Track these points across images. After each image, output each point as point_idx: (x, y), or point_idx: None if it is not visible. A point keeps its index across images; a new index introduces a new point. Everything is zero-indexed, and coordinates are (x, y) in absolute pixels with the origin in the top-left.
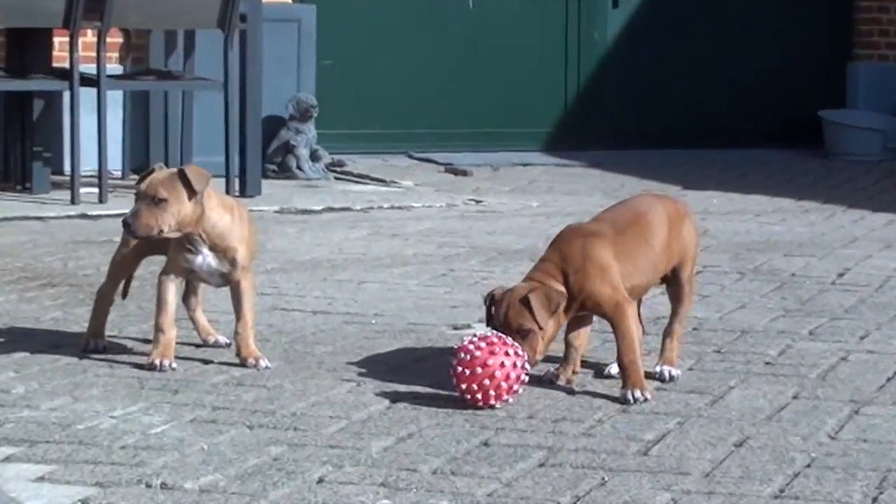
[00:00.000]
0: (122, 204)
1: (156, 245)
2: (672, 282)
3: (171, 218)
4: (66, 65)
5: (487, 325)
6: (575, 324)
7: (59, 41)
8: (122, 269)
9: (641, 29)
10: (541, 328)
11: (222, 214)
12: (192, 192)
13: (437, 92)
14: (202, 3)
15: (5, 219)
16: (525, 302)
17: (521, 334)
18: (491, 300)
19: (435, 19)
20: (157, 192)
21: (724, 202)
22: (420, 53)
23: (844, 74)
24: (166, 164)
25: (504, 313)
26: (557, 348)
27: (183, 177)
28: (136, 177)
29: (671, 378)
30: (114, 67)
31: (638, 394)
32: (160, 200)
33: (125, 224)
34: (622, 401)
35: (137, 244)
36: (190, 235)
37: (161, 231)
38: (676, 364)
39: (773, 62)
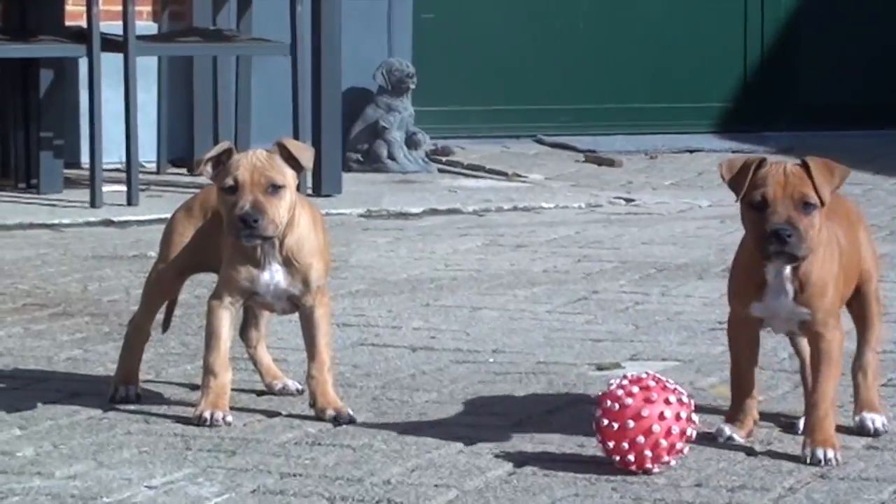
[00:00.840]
0: (157, 206)
1: (205, 258)
2: (856, 300)
3: (287, 209)
4: (83, 23)
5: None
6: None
7: None
8: (160, 293)
9: None
10: (822, 203)
11: (302, 211)
12: (298, 170)
13: (575, 56)
14: None
15: (4, 227)
16: (806, 168)
17: (802, 209)
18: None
19: None
20: (273, 177)
21: None
22: (550, 3)
23: None
24: None
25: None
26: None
27: (283, 151)
28: (175, 171)
29: (881, 428)
30: (146, 26)
31: (829, 454)
32: (277, 187)
33: (245, 222)
34: (803, 460)
35: (180, 257)
36: (262, 242)
37: (278, 228)
38: (879, 409)
39: None
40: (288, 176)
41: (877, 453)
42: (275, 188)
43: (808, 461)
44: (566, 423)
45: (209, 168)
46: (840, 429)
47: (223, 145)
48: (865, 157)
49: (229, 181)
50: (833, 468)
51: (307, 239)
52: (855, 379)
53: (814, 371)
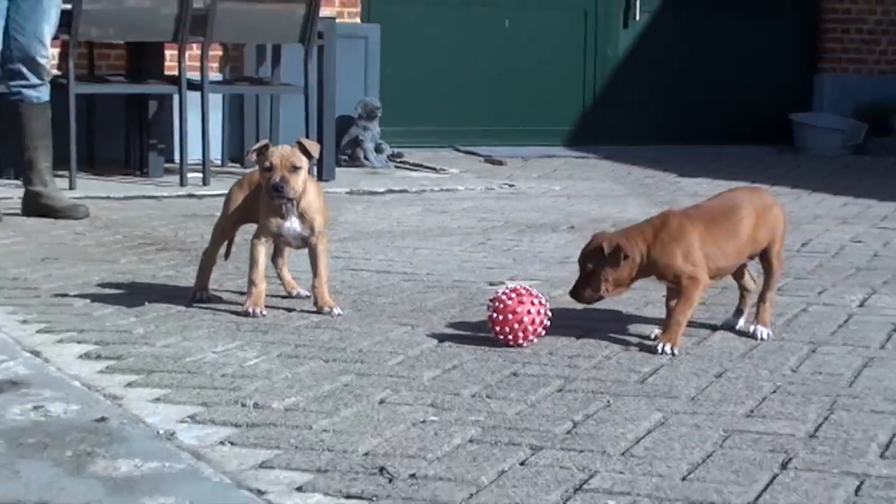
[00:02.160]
0: (221, 185)
1: (250, 214)
2: (763, 258)
3: (302, 182)
4: (176, 73)
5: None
6: (672, 294)
7: (170, 53)
8: (223, 235)
9: (646, 46)
10: (600, 273)
11: (309, 187)
12: (309, 158)
13: (479, 96)
14: (287, 22)
15: (127, 197)
16: (595, 249)
17: (587, 270)
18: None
19: (477, 36)
20: (294, 160)
21: (713, 188)
22: (465, 65)
23: (811, 84)
24: None
25: (583, 251)
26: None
27: (301, 147)
28: (232, 164)
29: (763, 337)
30: (215, 75)
31: (668, 348)
32: (297, 167)
33: (276, 189)
34: (653, 349)
35: (235, 212)
36: (286, 203)
37: (296, 193)
38: (769, 325)
39: (753, 74)
40: (303, 161)
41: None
42: (294, 168)
43: (659, 351)
44: (470, 316)
45: (254, 156)
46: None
47: (263, 142)
48: (662, 164)
49: (267, 164)
50: (674, 357)
51: (314, 201)
52: (758, 306)
53: (677, 300)
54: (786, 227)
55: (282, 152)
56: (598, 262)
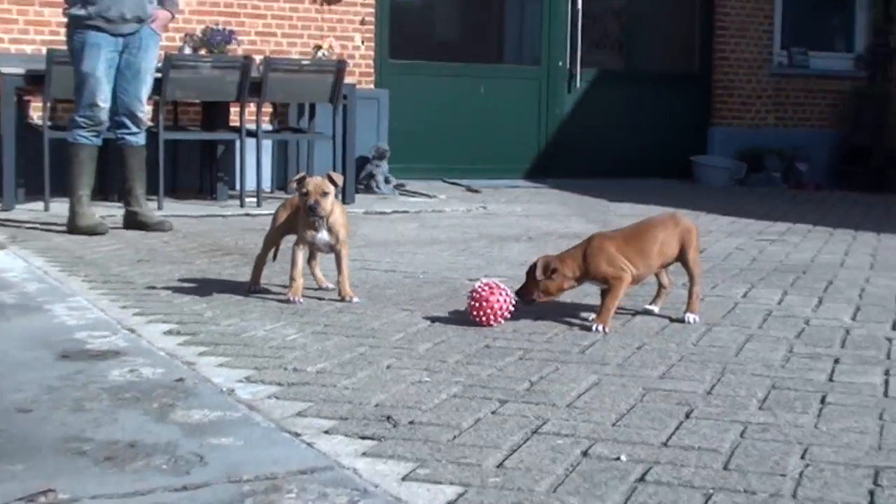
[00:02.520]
0: (270, 207)
1: (291, 227)
2: (683, 264)
3: (330, 204)
4: (238, 124)
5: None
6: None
7: (234, 110)
8: (271, 242)
9: (584, 106)
10: (539, 281)
11: (336, 208)
12: (336, 186)
13: (461, 142)
14: (320, 88)
15: (201, 216)
16: (535, 266)
17: (529, 280)
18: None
19: (461, 98)
20: (325, 188)
21: (634, 209)
22: (451, 118)
23: (706, 134)
24: None
25: (530, 266)
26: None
27: (330, 178)
28: (280, 191)
29: (691, 321)
30: (266, 126)
31: (601, 328)
32: (326, 193)
33: (311, 209)
34: (589, 328)
35: (280, 226)
36: (318, 219)
37: (326, 212)
38: (696, 312)
39: (663, 126)
40: (331, 188)
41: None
42: (325, 193)
43: (592, 329)
44: (455, 304)
45: (295, 184)
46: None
47: (301, 174)
48: (596, 192)
49: (304, 190)
50: (604, 335)
51: (339, 218)
52: (688, 298)
53: (608, 292)
54: (697, 240)
55: (315, 181)
56: (535, 276)
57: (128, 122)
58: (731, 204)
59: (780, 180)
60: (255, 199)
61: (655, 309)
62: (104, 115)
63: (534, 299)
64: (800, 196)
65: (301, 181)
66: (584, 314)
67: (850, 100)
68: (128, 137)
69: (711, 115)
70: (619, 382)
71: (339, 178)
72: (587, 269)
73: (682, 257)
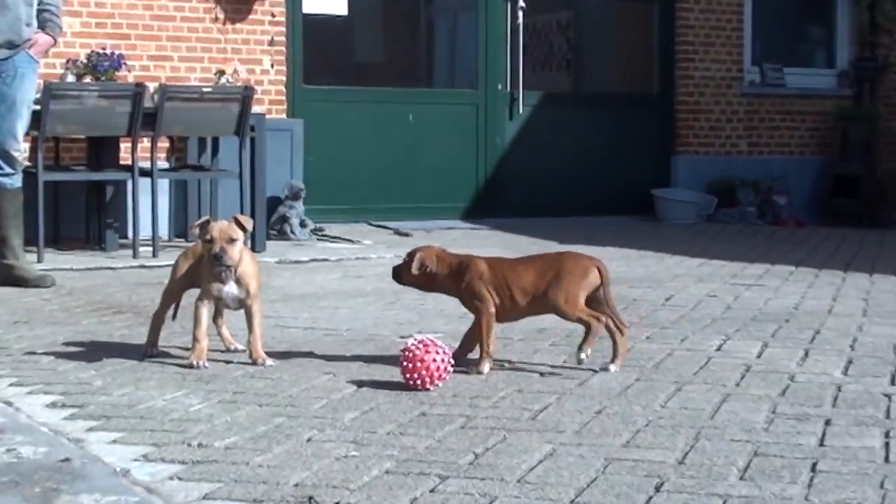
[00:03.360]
0: (169, 257)
1: (194, 280)
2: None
3: (238, 252)
4: (129, 162)
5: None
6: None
7: (124, 146)
8: (171, 298)
9: (528, 134)
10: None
11: (245, 256)
12: (244, 231)
13: (388, 178)
14: (224, 118)
15: (88, 269)
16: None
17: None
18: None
19: (386, 127)
20: (232, 233)
21: (589, 251)
22: (376, 151)
23: (669, 164)
24: None
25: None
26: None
27: (237, 222)
28: (179, 239)
29: (611, 370)
30: (162, 164)
31: (484, 367)
32: (234, 239)
33: (216, 258)
34: (476, 371)
35: (181, 279)
36: (225, 270)
37: (234, 261)
38: (592, 346)
39: (619, 157)
40: (239, 234)
41: (547, 378)
42: (232, 240)
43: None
44: (384, 365)
45: (197, 230)
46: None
47: (204, 218)
48: (544, 233)
49: (208, 236)
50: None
51: (249, 268)
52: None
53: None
54: (605, 284)
55: (220, 226)
56: (408, 262)
57: (0, 162)
58: (700, 244)
59: (756, 216)
60: (150, 249)
61: (613, 367)
62: None
63: (405, 282)
64: (779, 234)
65: (204, 226)
66: (533, 373)
67: (835, 122)
68: (1, 180)
69: (675, 142)
70: (576, 452)
71: (248, 222)
72: (458, 284)
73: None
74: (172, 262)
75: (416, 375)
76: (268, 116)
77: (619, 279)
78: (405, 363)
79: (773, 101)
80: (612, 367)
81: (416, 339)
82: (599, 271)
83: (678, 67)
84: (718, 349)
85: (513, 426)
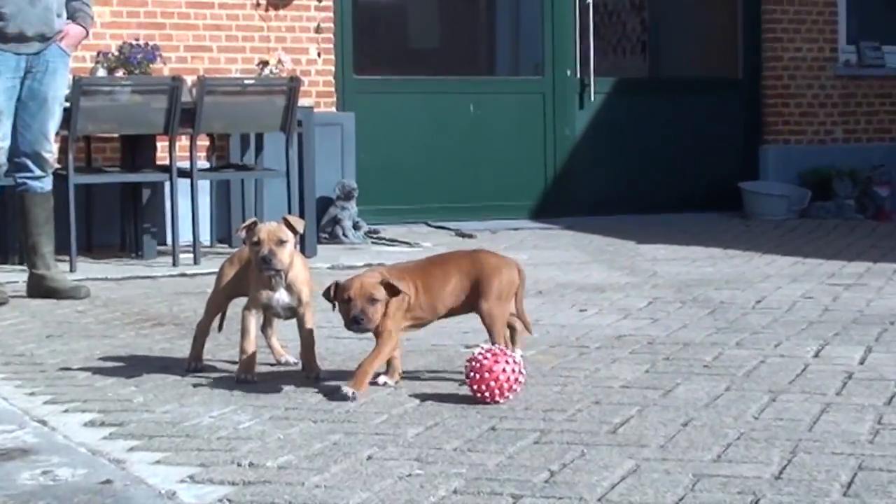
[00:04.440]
0: (211, 264)
1: (240, 288)
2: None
3: (288, 255)
4: (167, 162)
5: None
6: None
7: (161, 144)
8: (216, 308)
9: (601, 124)
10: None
11: (296, 260)
12: (295, 233)
13: (448, 175)
14: (269, 113)
15: (124, 278)
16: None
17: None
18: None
19: (445, 120)
20: (281, 235)
21: (670, 252)
22: (434, 146)
23: (757, 155)
24: None
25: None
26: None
27: (287, 223)
28: (222, 245)
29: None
30: (203, 163)
31: (350, 391)
32: (283, 241)
33: (265, 261)
34: (339, 396)
35: (226, 287)
36: (274, 275)
37: (284, 265)
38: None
39: (703, 147)
40: (289, 236)
41: (627, 390)
42: (281, 242)
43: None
44: (449, 377)
45: (243, 233)
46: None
47: (251, 219)
48: (621, 232)
49: (255, 239)
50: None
51: (301, 274)
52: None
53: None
54: (522, 286)
55: (269, 228)
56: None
57: (30, 163)
58: (793, 241)
59: (855, 209)
60: (191, 255)
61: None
62: (1, 157)
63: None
64: (881, 228)
65: (251, 228)
66: (610, 384)
67: None
68: (30, 183)
69: (763, 130)
70: (662, 468)
71: (298, 224)
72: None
73: (477, 306)
74: (216, 269)
75: (484, 387)
76: (316, 110)
77: (705, 280)
78: (472, 374)
79: (871, 84)
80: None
81: (483, 349)
82: (519, 272)
83: (766, 48)
84: (816, 355)
85: (591, 440)
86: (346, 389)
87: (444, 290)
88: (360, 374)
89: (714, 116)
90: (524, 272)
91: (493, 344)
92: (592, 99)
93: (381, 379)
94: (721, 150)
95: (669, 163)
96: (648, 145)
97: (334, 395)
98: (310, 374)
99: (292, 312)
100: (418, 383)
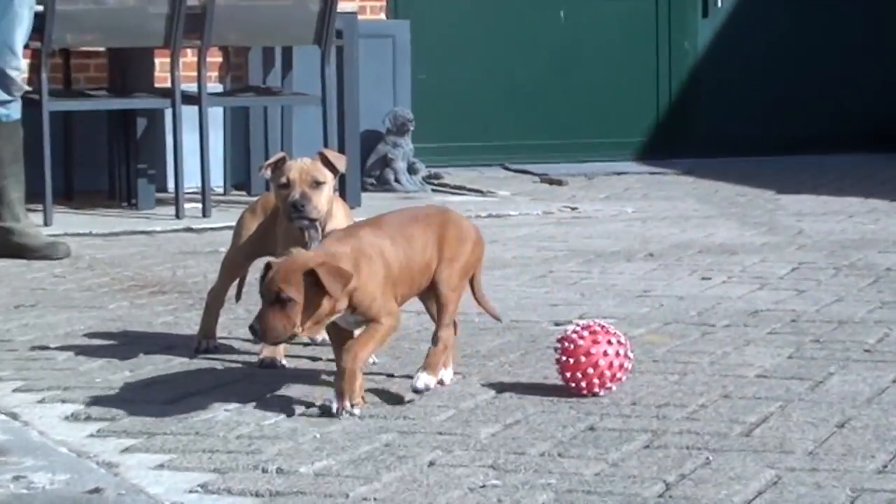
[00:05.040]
0: (225, 217)
1: (265, 245)
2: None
3: (326, 201)
4: (168, 84)
5: None
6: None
7: (161, 61)
8: (233, 272)
9: (732, 37)
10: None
11: (337, 209)
12: (335, 172)
13: (531, 103)
14: (299, 20)
15: (114, 233)
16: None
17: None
18: None
19: (527, 31)
20: (316, 175)
21: (819, 204)
22: (513, 65)
23: None
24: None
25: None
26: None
27: (324, 159)
28: (236, 192)
29: (425, 388)
30: (214, 86)
31: (337, 405)
32: (319, 183)
33: (296, 207)
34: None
35: (247, 244)
36: (309, 226)
37: (320, 213)
38: (437, 372)
39: (865, 69)
40: (327, 176)
41: (766, 381)
42: (317, 184)
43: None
44: (533, 362)
45: (269, 171)
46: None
47: (279, 154)
48: (756, 179)
49: (283, 179)
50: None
51: (342, 225)
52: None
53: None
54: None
55: (301, 165)
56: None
57: None
58: None
59: None
60: (199, 205)
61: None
62: None
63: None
64: None
65: (278, 166)
66: (746, 373)
67: None
68: None
69: None
70: (811, 481)
71: (339, 161)
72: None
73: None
74: (232, 222)
75: (579, 375)
76: (360, 17)
77: (866, 241)
78: (565, 358)
79: None
80: (423, 380)
81: (578, 326)
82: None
83: None
84: None
85: (718, 445)
86: (333, 403)
87: (423, 258)
88: (347, 379)
89: (882, 31)
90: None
91: (441, 329)
92: (720, 3)
93: (371, 359)
94: (885, 74)
95: (819, 89)
96: (792, 66)
97: (322, 408)
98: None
99: None
100: (493, 370)
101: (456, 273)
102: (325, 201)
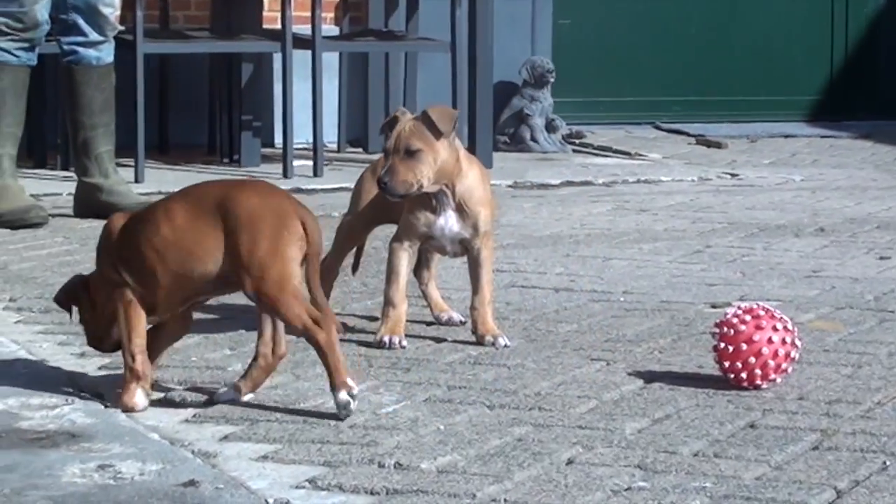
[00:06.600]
0: (338, 178)
1: (388, 210)
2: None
3: (429, 168)
4: (278, 25)
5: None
6: None
7: (269, 0)
8: (349, 240)
9: None
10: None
11: (471, 167)
12: (437, 133)
13: (687, 56)
14: None
15: None
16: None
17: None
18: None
19: None
20: (410, 142)
21: None
22: (668, 12)
23: None
24: None
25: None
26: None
27: (427, 120)
28: (352, 149)
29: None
30: (329, 28)
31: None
32: (413, 152)
33: (381, 184)
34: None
35: (366, 210)
36: (439, 192)
37: (421, 186)
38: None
39: None
40: (426, 141)
41: None
42: (410, 153)
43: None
44: (687, 349)
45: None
46: None
47: (397, 110)
48: None
49: (388, 144)
50: None
51: (476, 189)
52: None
53: None
54: (313, 249)
55: (399, 131)
56: None
57: (82, 22)
58: None
59: None
60: (310, 163)
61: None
62: (40, 14)
63: None
64: None
65: (391, 125)
66: None
67: None
68: (82, 51)
69: None
70: None
71: (444, 119)
72: None
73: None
74: (349, 183)
75: (740, 365)
76: None
77: None
78: (723, 345)
79: None
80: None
81: (739, 309)
82: (305, 226)
83: None
84: None
85: None
86: (126, 399)
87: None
88: (127, 374)
89: None
90: (315, 226)
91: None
92: None
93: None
94: None
95: None
96: None
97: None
98: (485, 339)
99: (463, 247)
100: (640, 357)
101: (273, 270)
102: (425, 170)
